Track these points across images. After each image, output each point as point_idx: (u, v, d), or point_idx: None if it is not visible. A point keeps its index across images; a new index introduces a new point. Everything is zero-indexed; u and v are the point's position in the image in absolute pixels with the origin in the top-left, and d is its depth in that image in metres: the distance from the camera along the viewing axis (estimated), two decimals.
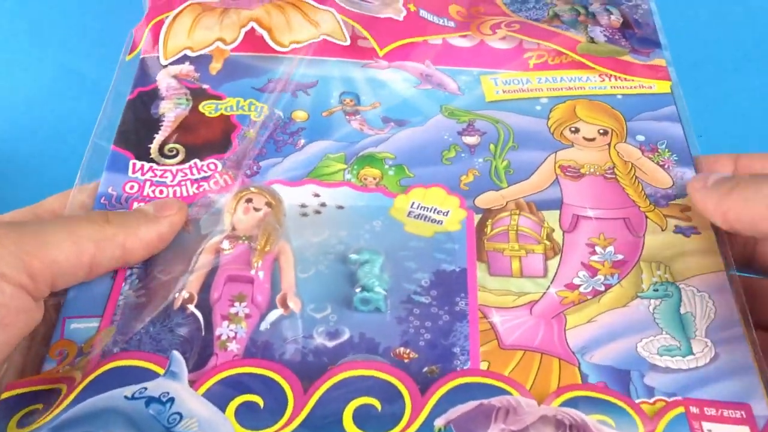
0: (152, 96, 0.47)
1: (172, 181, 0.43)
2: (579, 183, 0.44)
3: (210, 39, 0.50)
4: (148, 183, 0.43)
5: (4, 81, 0.85)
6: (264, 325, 0.37)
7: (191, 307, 0.37)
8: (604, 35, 0.52)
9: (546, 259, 0.41)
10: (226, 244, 0.39)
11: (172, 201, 0.42)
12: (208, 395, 0.33)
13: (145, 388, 0.33)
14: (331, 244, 0.41)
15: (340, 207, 0.42)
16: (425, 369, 0.36)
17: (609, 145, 0.46)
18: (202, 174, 0.44)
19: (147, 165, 0.44)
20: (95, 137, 0.45)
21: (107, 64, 0.49)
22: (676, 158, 0.45)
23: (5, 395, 0.34)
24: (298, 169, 0.44)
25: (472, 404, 0.33)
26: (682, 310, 0.38)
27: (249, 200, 0.41)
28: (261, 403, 0.33)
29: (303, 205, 0.42)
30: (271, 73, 0.49)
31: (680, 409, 0.34)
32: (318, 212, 0.42)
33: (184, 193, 0.43)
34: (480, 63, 0.51)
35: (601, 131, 0.47)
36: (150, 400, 0.33)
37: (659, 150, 0.45)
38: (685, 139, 0.46)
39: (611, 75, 0.50)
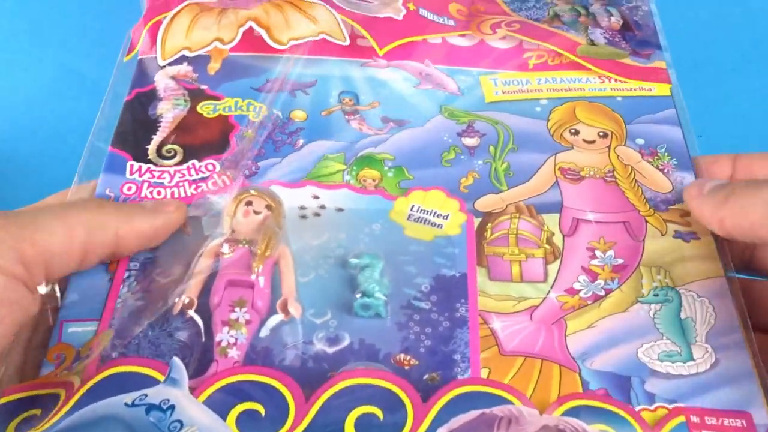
0: (150, 97, 0.47)
1: (170, 182, 0.43)
2: (579, 186, 0.44)
3: (208, 39, 0.50)
4: (146, 184, 0.43)
5: (4, 81, 0.85)
6: (264, 331, 0.37)
7: (191, 312, 0.37)
8: (605, 37, 0.52)
9: (546, 264, 0.41)
10: (225, 248, 0.39)
11: (171, 200, 0.42)
12: (209, 403, 0.33)
13: (146, 395, 0.33)
14: (331, 248, 0.40)
15: (340, 209, 0.42)
16: (426, 376, 0.36)
17: (609, 147, 0.46)
18: (201, 175, 0.44)
19: (145, 166, 0.44)
20: (93, 138, 0.45)
21: (107, 64, 0.49)
22: (675, 162, 0.45)
23: (3, 400, 0.34)
24: (297, 170, 0.44)
25: (473, 414, 0.33)
26: (683, 316, 0.38)
27: (249, 203, 0.41)
28: (262, 411, 0.33)
29: (302, 207, 0.42)
30: (270, 73, 0.49)
31: (681, 419, 0.34)
32: (317, 214, 0.42)
33: (182, 194, 0.43)
34: (480, 63, 0.50)
35: (601, 134, 0.47)
36: (150, 408, 0.33)
37: (659, 154, 0.45)
38: (684, 143, 0.46)
39: (611, 77, 0.49)
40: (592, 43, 0.52)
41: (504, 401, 0.34)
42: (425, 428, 0.33)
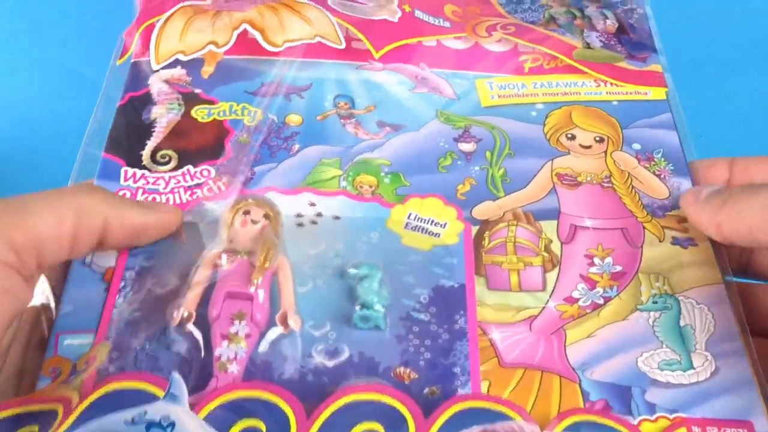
0: (144, 101, 0.47)
1: (164, 189, 0.43)
2: (576, 192, 0.44)
3: (202, 42, 0.49)
4: (140, 191, 0.42)
5: (4, 81, 0.84)
6: (264, 345, 0.36)
7: (189, 326, 0.36)
8: (600, 40, 0.52)
9: (544, 272, 0.41)
10: (224, 259, 0.39)
11: (168, 204, 0.41)
12: (210, 419, 0.33)
13: (146, 412, 0.33)
14: (329, 257, 0.40)
15: (337, 217, 0.42)
16: (426, 390, 0.36)
17: (605, 152, 0.46)
18: (196, 181, 0.43)
19: (139, 172, 0.43)
20: (86, 143, 0.44)
21: (107, 64, 0.48)
22: (672, 168, 0.45)
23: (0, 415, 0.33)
24: (293, 175, 0.44)
25: (475, 429, 0.33)
26: (682, 323, 0.38)
27: (246, 212, 0.40)
28: (263, 428, 0.33)
29: (299, 215, 0.42)
30: (265, 76, 0.48)
31: (682, 430, 0.34)
32: (314, 222, 0.42)
33: (178, 201, 0.42)
34: (475, 66, 0.50)
35: (598, 138, 0.46)
36: (150, 425, 0.32)
37: (655, 159, 0.45)
38: (680, 148, 0.46)
39: (607, 81, 0.49)
40: (588, 46, 0.51)
41: (505, 417, 0.33)
42: None
